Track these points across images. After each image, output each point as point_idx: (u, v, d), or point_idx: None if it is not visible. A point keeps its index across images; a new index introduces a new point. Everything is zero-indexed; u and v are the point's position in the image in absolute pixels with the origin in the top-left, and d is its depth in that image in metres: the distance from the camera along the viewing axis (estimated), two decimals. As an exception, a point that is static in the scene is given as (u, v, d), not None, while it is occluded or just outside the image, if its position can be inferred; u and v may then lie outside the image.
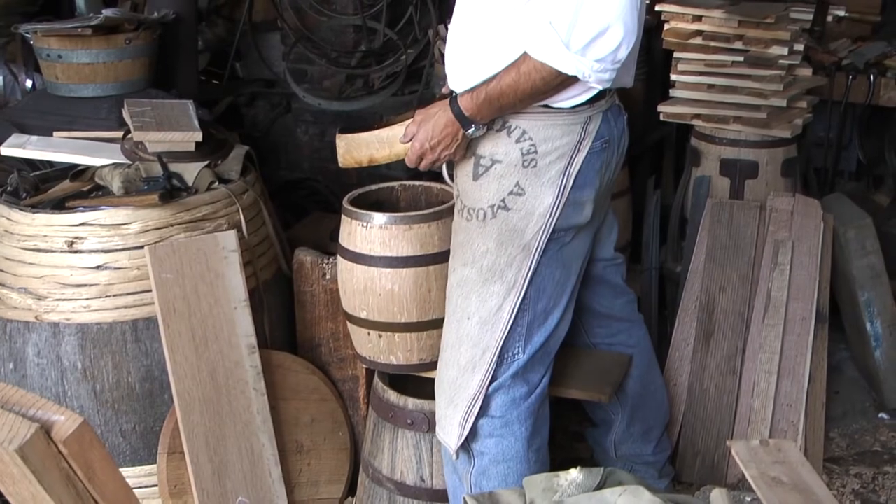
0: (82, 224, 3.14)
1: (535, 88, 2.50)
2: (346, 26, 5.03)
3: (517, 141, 2.61)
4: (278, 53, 5.23)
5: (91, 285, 3.14)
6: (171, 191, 3.26)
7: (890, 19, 5.15)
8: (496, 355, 2.75)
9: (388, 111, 4.88)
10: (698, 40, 3.98)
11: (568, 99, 2.59)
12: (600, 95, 2.64)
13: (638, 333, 3.24)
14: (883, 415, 4.00)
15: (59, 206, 3.24)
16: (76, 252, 3.14)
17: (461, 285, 2.79)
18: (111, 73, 3.94)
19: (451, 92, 2.66)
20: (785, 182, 4.04)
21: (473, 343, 2.77)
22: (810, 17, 4.15)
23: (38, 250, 3.15)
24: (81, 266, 3.15)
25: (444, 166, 2.79)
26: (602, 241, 3.02)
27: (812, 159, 4.73)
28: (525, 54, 2.48)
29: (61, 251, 3.14)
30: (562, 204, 2.64)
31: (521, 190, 2.63)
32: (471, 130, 2.60)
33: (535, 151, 2.61)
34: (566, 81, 2.50)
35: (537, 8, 2.45)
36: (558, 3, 2.40)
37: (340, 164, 2.90)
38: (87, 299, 3.15)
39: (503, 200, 2.65)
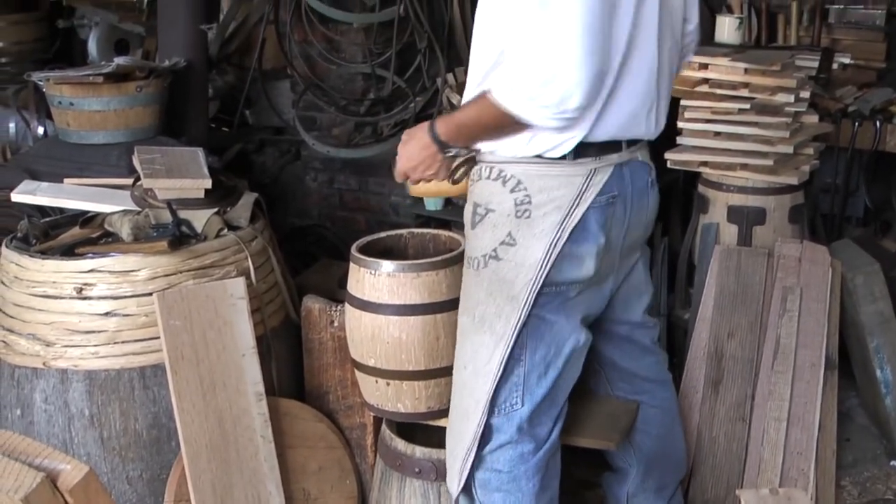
0: (91, 271, 3.15)
1: (497, 123, 2.49)
2: (355, 74, 5.06)
3: (512, 191, 2.60)
4: (288, 101, 5.26)
5: (99, 332, 3.15)
6: (180, 238, 3.27)
7: (895, 66, 5.16)
8: (487, 406, 2.72)
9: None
10: (705, 88, 3.99)
11: (555, 148, 2.55)
12: (611, 148, 2.60)
13: (663, 394, 3.18)
14: (894, 462, 3.97)
15: (69, 252, 3.25)
16: (85, 298, 3.15)
17: (461, 333, 2.79)
18: (122, 121, 3.97)
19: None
20: (793, 228, 4.04)
21: (468, 392, 2.76)
22: (816, 64, 4.17)
23: (48, 297, 3.17)
24: (90, 312, 3.16)
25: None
26: (629, 303, 2.96)
27: (819, 205, 4.72)
28: (488, 89, 2.50)
29: (70, 298, 3.15)
30: (554, 257, 2.59)
31: (512, 240, 2.61)
32: (450, 153, 2.65)
33: (530, 202, 2.58)
34: (519, 125, 2.48)
35: (506, 49, 2.48)
36: (516, 47, 2.41)
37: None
38: (96, 346, 3.16)
39: (495, 250, 2.64)
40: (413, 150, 2.68)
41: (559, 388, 2.79)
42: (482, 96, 2.51)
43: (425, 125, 2.67)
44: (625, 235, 2.74)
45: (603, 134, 2.57)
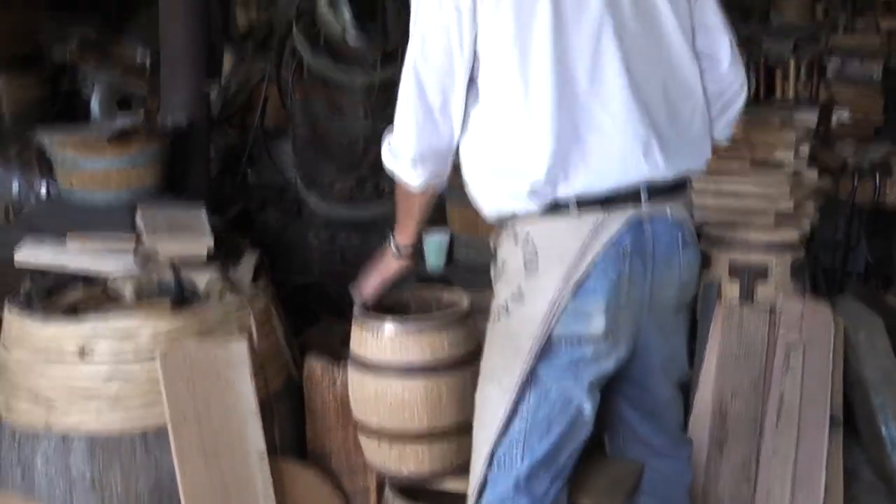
0: (93, 332, 3.14)
1: (402, 193, 2.74)
2: (356, 133, 5.08)
3: (521, 247, 2.60)
4: (289, 159, 5.28)
5: (101, 393, 3.14)
6: (182, 298, 3.27)
7: (893, 120, 5.20)
8: (487, 459, 2.70)
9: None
10: (703, 145, 4.00)
11: (521, 200, 2.56)
12: (621, 199, 2.55)
13: (676, 467, 3.10)
14: (902, 520, 3.95)
15: (70, 313, 3.25)
16: (87, 360, 3.14)
17: (478, 384, 2.79)
18: (124, 180, 3.98)
19: None
20: (794, 284, 4.03)
21: (475, 444, 2.75)
22: (814, 119, 4.19)
23: (49, 358, 3.16)
24: (92, 374, 3.15)
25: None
26: (658, 373, 2.88)
27: (821, 261, 4.73)
28: None
29: (72, 359, 3.14)
30: (559, 311, 2.55)
31: (520, 293, 2.59)
32: (397, 256, 2.95)
33: (537, 255, 2.57)
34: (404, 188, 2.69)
35: None
36: None
37: None
38: (97, 408, 3.14)
39: (506, 304, 2.63)
40: (375, 266, 3.05)
41: (562, 448, 2.73)
42: None
43: (384, 248, 2.96)
44: (650, 295, 2.65)
45: (588, 183, 2.52)
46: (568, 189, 2.52)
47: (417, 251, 2.91)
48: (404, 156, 2.59)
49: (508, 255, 2.64)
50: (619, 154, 2.53)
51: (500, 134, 2.53)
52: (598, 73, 2.51)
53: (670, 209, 2.65)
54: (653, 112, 2.57)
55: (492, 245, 2.77)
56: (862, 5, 5.61)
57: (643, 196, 2.57)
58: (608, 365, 2.69)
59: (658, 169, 2.58)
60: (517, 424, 2.67)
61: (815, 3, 5.89)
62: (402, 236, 2.88)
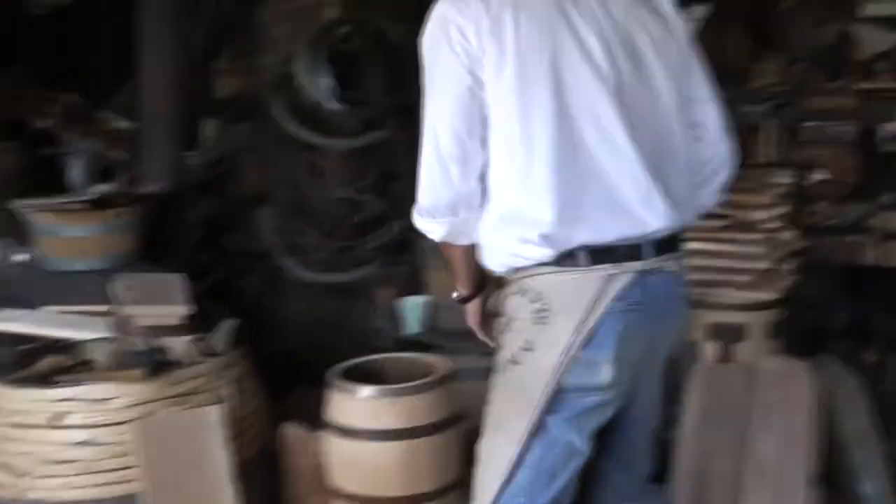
0: (66, 399, 3.13)
1: (442, 245, 2.73)
2: (336, 199, 5.11)
3: (531, 301, 2.61)
4: (269, 227, 5.28)
5: (74, 461, 3.12)
6: (157, 365, 3.26)
7: (868, 181, 5.23)
8: None
9: (377, 282, 4.93)
10: (679, 207, 4.02)
11: (529, 251, 2.58)
12: (629, 254, 2.58)
13: None
14: (885, 581, 3.91)
15: (44, 380, 3.23)
16: (60, 428, 3.12)
17: (482, 434, 2.78)
18: (102, 247, 3.99)
19: None
20: (773, 344, 4.04)
21: (478, 492, 2.74)
22: (790, 180, 4.22)
23: (21, 426, 3.14)
24: (65, 442, 3.13)
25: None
26: (639, 425, 2.89)
27: (800, 320, 4.73)
28: None
29: (45, 427, 3.12)
30: (568, 362, 2.57)
31: (530, 345, 2.61)
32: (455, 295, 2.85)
33: (547, 309, 2.59)
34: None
35: None
36: None
37: None
38: (70, 476, 3.12)
39: (515, 355, 2.64)
40: (467, 318, 2.90)
41: (562, 498, 2.73)
42: None
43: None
44: (650, 347, 2.70)
45: (597, 235, 2.55)
46: (576, 240, 2.55)
47: (480, 287, 2.89)
48: (424, 209, 2.63)
49: (516, 308, 2.66)
50: (625, 206, 2.58)
51: (508, 186, 2.57)
52: (603, 127, 2.56)
53: (669, 264, 2.68)
54: (652, 167, 2.61)
55: (492, 306, 2.82)
56: (838, 68, 5.67)
57: (646, 249, 2.61)
58: (608, 414, 2.73)
59: (659, 222, 2.62)
60: (522, 474, 2.68)
61: (792, 67, 5.95)
62: (459, 285, 2.87)
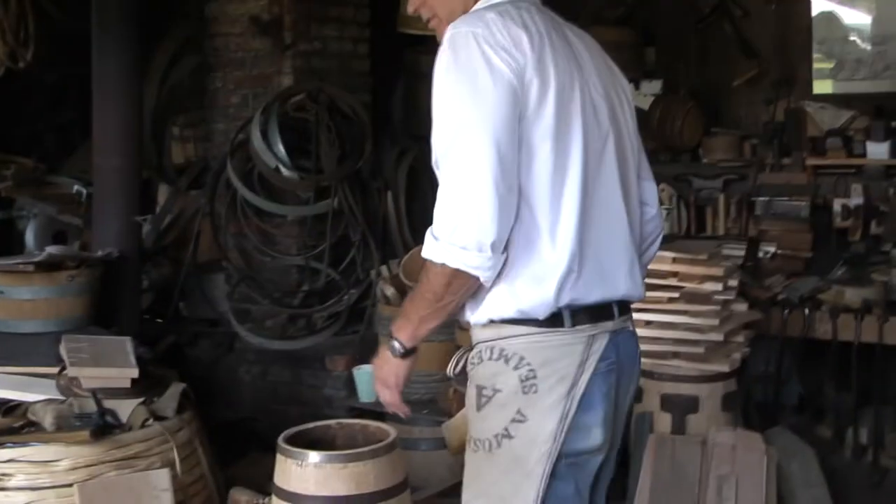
0: (10, 460, 3.08)
1: (433, 291, 2.46)
2: (290, 266, 5.11)
3: (515, 368, 2.52)
4: (222, 293, 5.26)
5: (16, 525, 3.05)
6: (103, 427, 3.21)
7: (821, 255, 5.29)
8: None
9: (329, 351, 4.90)
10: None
11: (538, 306, 2.48)
12: (605, 314, 2.56)
13: None
14: None
15: (-11, 442, 3.17)
16: (3, 490, 3.06)
17: None
18: (52, 310, 3.94)
19: None
20: (726, 416, 4.05)
21: None
22: (742, 253, 4.26)
23: (-36, 488, 3.07)
24: (8, 503, 3.06)
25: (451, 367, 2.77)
26: (601, 484, 2.81)
27: (754, 393, 4.75)
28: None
29: (-13, 489, 3.06)
30: (566, 428, 2.52)
31: (522, 417, 2.52)
32: (397, 353, 2.58)
33: (535, 376, 2.51)
34: (456, 277, 2.43)
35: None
36: (439, 195, 2.42)
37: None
38: (12, 540, 3.05)
39: (506, 429, 2.54)
40: (387, 375, 2.63)
41: None
42: (423, 268, 2.47)
43: (384, 346, 2.61)
44: (620, 407, 2.66)
45: (586, 294, 2.52)
46: (565, 299, 2.49)
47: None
48: (481, 243, 2.38)
49: (498, 378, 2.55)
50: (613, 272, 2.58)
51: (528, 232, 2.45)
52: (609, 189, 2.56)
53: (628, 323, 2.68)
54: (634, 235, 2.64)
55: (453, 370, 2.70)
56: (788, 144, 5.76)
57: (615, 309, 2.59)
58: (594, 474, 2.70)
59: (637, 290, 2.64)
60: None
61: (744, 143, 6.05)
62: (415, 335, 2.57)
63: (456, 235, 2.39)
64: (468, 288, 2.47)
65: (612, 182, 2.58)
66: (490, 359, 2.57)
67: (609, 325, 2.57)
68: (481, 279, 2.43)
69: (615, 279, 2.58)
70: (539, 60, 2.42)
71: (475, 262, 2.40)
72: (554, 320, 2.51)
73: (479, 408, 2.60)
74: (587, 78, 2.54)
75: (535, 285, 2.49)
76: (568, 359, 2.53)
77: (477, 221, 2.38)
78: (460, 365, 2.69)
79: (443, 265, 2.41)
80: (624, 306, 2.63)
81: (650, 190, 2.82)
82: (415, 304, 2.53)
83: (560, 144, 2.45)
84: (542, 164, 2.44)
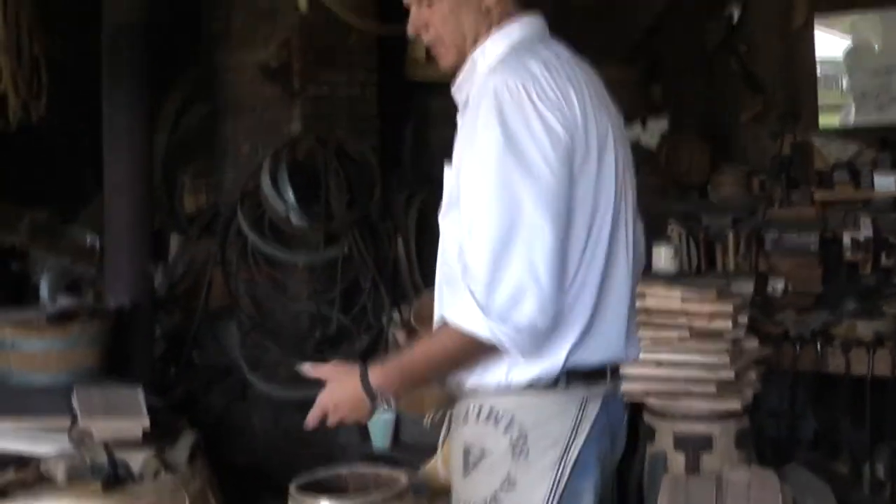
0: (23, 514, 3.08)
1: (451, 358, 2.35)
2: (301, 313, 5.11)
3: (505, 430, 2.41)
4: (234, 340, 5.27)
5: (30, 578, 3.05)
6: (115, 479, 3.21)
7: (831, 289, 5.28)
8: None
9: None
10: (643, 317, 4.01)
11: (539, 376, 2.38)
12: (599, 377, 2.46)
13: None
14: None
15: (1, 496, 3.17)
16: (16, 543, 3.06)
17: None
18: (64, 362, 3.95)
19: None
20: (740, 454, 4.02)
21: None
22: (751, 289, 4.25)
23: (-24, 543, 3.07)
24: (21, 558, 3.06)
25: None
26: None
27: (768, 430, 4.73)
28: (443, 320, 2.35)
29: (0, 543, 3.06)
30: (558, 495, 2.41)
31: (512, 482, 2.41)
32: (379, 409, 2.43)
33: (525, 438, 2.41)
34: (486, 350, 2.31)
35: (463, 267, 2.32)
36: (474, 260, 2.27)
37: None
38: None
39: (495, 495, 2.42)
40: (341, 396, 2.47)
41: None
42: (441, 329, 2.36)
43: (356, 372, 2.42)
44: (613, 468, 2.62)
45: (588, 356, 2.42)
46: (571, 364, 2.40)
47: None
48: (536, 328, 2.27)
49: (486, 440, 2.45)
50: (614, 335, 2.49)
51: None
52: (623, 253, 2.48)
53: (619, 388, 2.60)
54: (633, 295, 2.56)
55: (431, 421, 2.62)
56: (796, 179, 5.77)
57: (608, 373, 2.49)
58: None
59: (633, 352, 2.56)
60: None
61: (752, 179, 6.06)
62: (398, 392, 2.41)
63: (515, 314, 2.25)
64: (489, 359, 2.36)
65: (624, 237, 2.49)
66: (478, 418, 2.45)
67: (601, 388, 2.47)
68: (521, 357, 2.31)
69: (618, 342, 2.49)
70: (584, 116, 2.32)
71: (525, 346, 2.30)
72: (547, 379, 2.40)
73: (465, 472, 2.48)
74: (614, 122, 2.45)
75: (547, 352, 2.38)
76: (560, 421, 2.42)
77: (538, 304, 2.25)
78: (439, 415, 2.60)
79: (485, 340, 2.26)
80: (615, 369, 2.53)
81: (640, 230, 2.70)
82: (419, 366, 2.41)
83: (595, 203, 2.38)
84: (580, 226, 2.35)
